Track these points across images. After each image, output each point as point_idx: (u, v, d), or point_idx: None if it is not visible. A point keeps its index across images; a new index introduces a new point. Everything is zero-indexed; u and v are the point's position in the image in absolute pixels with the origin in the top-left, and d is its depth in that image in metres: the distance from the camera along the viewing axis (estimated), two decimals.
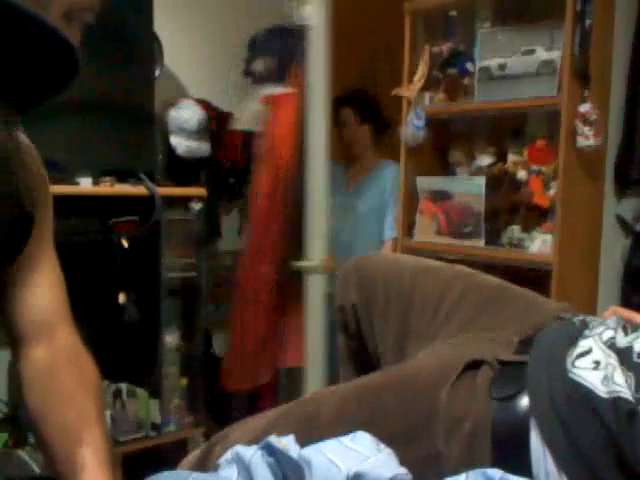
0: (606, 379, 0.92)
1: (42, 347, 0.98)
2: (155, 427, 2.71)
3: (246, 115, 3.13)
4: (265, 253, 2.92)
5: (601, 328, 1.02)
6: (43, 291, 1.00)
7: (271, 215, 2.91)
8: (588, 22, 2.31)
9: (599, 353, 0.96)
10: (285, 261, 2.76)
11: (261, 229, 2.91)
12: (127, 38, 2.66)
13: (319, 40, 2.67)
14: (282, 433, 0.92)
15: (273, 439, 0.89)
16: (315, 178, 2.46)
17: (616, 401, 0.89)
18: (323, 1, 2.70)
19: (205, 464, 1.07)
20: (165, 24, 2.93)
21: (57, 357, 0.98)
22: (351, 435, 0.92)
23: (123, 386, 2.70)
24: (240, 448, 0.90)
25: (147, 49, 2.74)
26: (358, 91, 3.18)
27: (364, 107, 3.09)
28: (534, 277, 2.40)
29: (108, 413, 2.60)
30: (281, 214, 2.91)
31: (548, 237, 2.47)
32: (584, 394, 0.92)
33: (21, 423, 2.56)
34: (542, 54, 2.44)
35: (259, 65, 2.68)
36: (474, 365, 1.03)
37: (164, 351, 2.73)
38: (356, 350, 1.54)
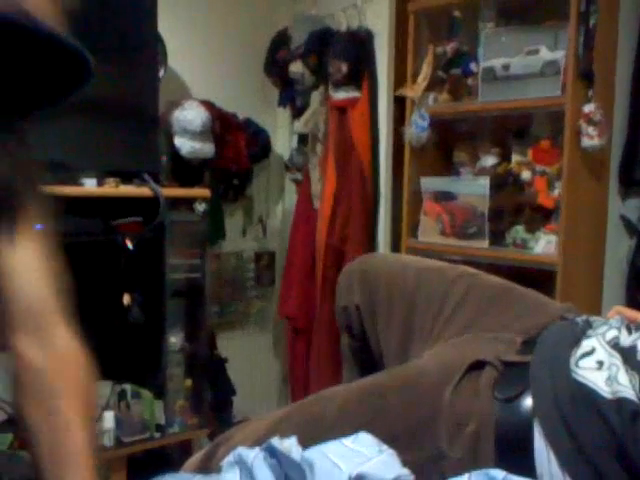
0: (610, 379, 0.92)
1: (35, 347, 0.93)
2: (159, 428, 2.70)
3: (306, 117, 3.18)
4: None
5: (604, 328, 1.02)
6: (29, 279, 0.94)
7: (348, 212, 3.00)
8: (592, 22, 2.31)
9: (602, 353, 0.96)
10: None
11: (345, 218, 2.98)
12: (131, 39, 2.66)
13: (386, 45, 2.96)
14: (285, 434, 0.92)
15: (275, 441, 0.89)
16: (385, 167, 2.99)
17: (620, 401, 0.89)
18: (387, 8, 2.81)
19: (208, 466, 1.07)
20: (169, 24, 2.93)
21: (50, 362, 0.93)
22: (353, 436, 0.92)
23: (127, 387, 2.70)
24: (242, 450, 0.90)
25: (151, 50, 2.74)
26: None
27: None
28: (538, 278, 2.40)
29: (112, 414, 2.60)
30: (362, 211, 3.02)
31: (552, 238, 2.47)
32: (588, 394, 0.92)
33: None
34: (546, 54, 2.43)
35: (333, 68, 2.73)
36: (477, 366, 1.03)
37: (168, 352, 2.73)
38: (359, 350, 1.54)
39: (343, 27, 3.07)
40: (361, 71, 2.99)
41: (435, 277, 1.43)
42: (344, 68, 2.90)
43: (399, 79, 2.97)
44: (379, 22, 2.97)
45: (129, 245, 2.62)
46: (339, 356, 2.92)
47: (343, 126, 2.97)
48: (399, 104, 3.00)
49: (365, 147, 3.01)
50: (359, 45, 3.00)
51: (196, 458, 1.15)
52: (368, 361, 1.49)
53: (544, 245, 2.50)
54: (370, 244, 3.06)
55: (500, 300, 1.28)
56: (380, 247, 3.06)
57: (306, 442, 0.91)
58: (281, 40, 3.29)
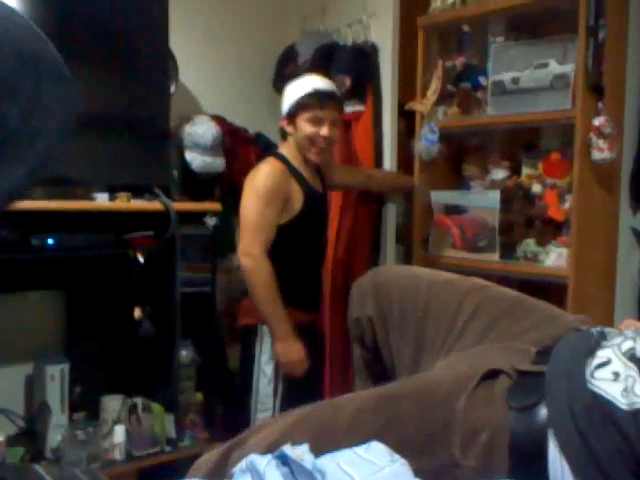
0: (626, 391, 0.92)
1: None
2: (170, 442, 2.70)
3: None
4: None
5: (620, 339, 1.01)
6: None
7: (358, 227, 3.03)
8: (601, 36, 2.32)
9: (618, 364, 0.96)
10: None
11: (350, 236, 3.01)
12: (142, 55, 2.69)
13: (389, 59, 2.99)
14: (298, 440, 0.92)
15: (287, 448, 0.89)
16: None
17: (637, 413, 0.89)
18: (391, 22, 2.84)
19: (221, 470, 1.07)
20: (180, 40, 2.96)
21: None
22: (365, 445, 0.92)
23: (138, 401, 2.70)
24: (254, 457, 0.90)
25: (162, 66, 2.77)
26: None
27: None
28: (550, 291, 2.39)
29: (123, 428, 2.60)
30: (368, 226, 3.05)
31: (563, 250, 2.46)
32: (604, 405, 0.92)
33: (37, 438, 2.57)
34: (555, 68, 2.44)
35: (336, 83, 2.76)
36: (491, 375, 1.03)
37: (179, 366, 2.73)
38: (372, 361, 1.54)
39: (349, 42, 3.10)
40: (365, 85, 3.02)
41: (447, 290, 1.43)
42: (347, 82, 2.92)
43: (405, 93, 2.99)
44: (384, 36, 3.00)
45: (140, 259, 2.63)
46: (349, 365, 2.93)
47: (347, 140, 2.98)
48: (408, 118, 3.02)
49: (369, 160, 3.03)
50: (363, 59, 3.02)
51: (208, 459, 1.14)
52: (380, 372, 1.49)
53: (555, 258, 2.49)
54: (375, 256, 3.07)
55: (513, 311, 1.28)
56: (386, 259, 3.07)
57: (318, 449, 0.91)
58: (289, 55, 3.32)
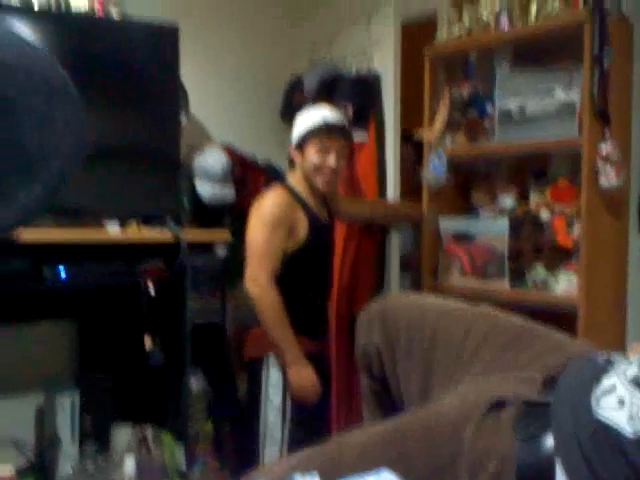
0: (632, 418, 0.92)
1: None
2: (180, 472, 2.69)
3: None
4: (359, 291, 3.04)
5: (625, 365, 1.01)
6: None
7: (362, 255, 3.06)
8: (606, 64, 2.33)
9: (623, 391, 0.96)
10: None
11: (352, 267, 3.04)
12: (154, 86, 2.73)
13: (391, 89, 3.05)
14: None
15: (298, 476, 0.89)
16: None
17: None
18: (393, 53, 2.88)
19: None
20: (191, 71, 3.01)
21: None
22: (375, 473, 0.92)
23: (149, 431, 2.70)
24: None
25: (173, 97, 2.82)
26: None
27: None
28: (560, 318, 2.38)
29: (133, 458, 2.60)
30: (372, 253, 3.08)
31: (573, 277, 2.46)
32: (610, 433, 0.92)
33: (47, 469, 2.57)
34: (561, 95, 2.46)
35: (339, 111, 2.81)
36: (498, 405, 1.03)
37: (189, 395, 2.73)
38: (379, 391, 1.54)
39: (353, 71, 3.14)
40: (368, 114, 3.05)
41: (454, 318, 1.43)
42: (349, 110, 2.95)
43: (410, 120, 3.01)
44: (386, 66, 3.04)
45: (151, 289, 2.65)
46: (355, 393, 2.93)
47: (351, 167, 3.01)
48: (417, 145, 3.04)
49: (372, 188, 3.05)
50: (366, 88, 3.06)
51: None
52: (388, 402, 1.48)
53: (565, 285, 2.48)
54: (380, 285, 3.08)
55: (520, 340, 1.28)
56: (391, 288, 3.07)
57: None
58: (296, 85, 3.37)
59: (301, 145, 2.47)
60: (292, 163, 2.59)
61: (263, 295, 2.35)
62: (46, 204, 0.60)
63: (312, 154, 2.44)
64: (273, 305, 2.34)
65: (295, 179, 2.53)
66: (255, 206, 2.47)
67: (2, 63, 0.51)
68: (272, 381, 2.44)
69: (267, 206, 2.42)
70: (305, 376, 2.38)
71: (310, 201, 2.51)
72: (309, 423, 2.41)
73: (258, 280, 2.35)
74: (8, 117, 0.51)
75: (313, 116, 2.48)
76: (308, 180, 2.49)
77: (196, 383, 2.79)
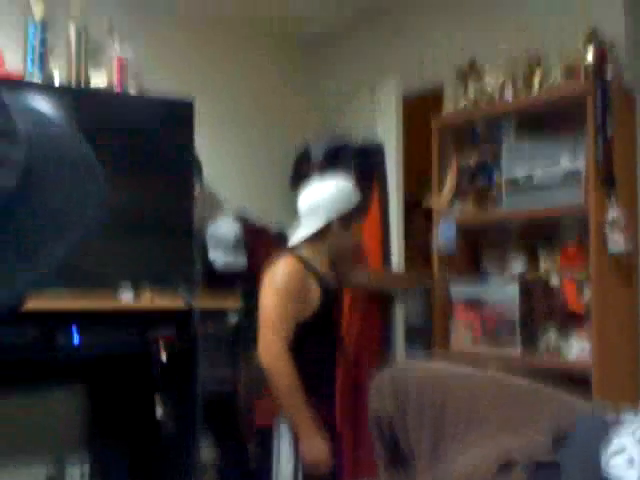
0: None
1: None
2: None
3: None
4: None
5: (635, 425, 1.01)
6: None
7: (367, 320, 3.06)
8: (609, 132, 2.38)
9: (633, 450, 0.96)
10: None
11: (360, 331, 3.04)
12: (169, 159, 2.81)
13: (394, 159, 3.06)
14: None
15: None
16: None
17: None
18: (395, 123, 2.95)
19: None
20: (205, 141, 3.09)
21: None
22: None
23: None
24: None
25: (187, 168, 2.89)
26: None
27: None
28: (573, 383, 2.36)
29: None
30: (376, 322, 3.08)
31: (585, 342, 2.45)
32: None
33: None
34: (567, 164, 2.50)
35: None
36: (508, 466, 1.03)
37: (200, 465, 2.70)
38: (393, 456, 1.53)
39: (357, 141, 3.21)
40: (371, 182, 3.09)
41: (463, 384, 1.44)
42: (352, 179, 3.00)
43: (417, 190, 3.06)
44: (389, 135, 3.10)
45: (163, 357, 2.66)
46: (361, 459, 2.88)
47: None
48: (426, 213, 3.07)
49: (377, 255, 3.06)
50: (368, 158, 3.12)
51: None
52: (402, 464, 1.48)
53: (577, 350, 2.47)
54: (385, 353, 3.06)
55: (528, 400, 1.28)
56: (396, 356, 3.04)
57: None
58: (304, 156, 3.44)
59: (342, 221, 2.49)
60: (316, 234, 2.52)
61: (276, 364, 2.33)
62: (63, 263, 0.64)
63: (345, 234, 2.50)
64: (286, 374, 2.32)
65: (310, 250, 2.51)
66: (267, 275, 2.47)
67: (30, 139, 0.55)
68: (283, 451, 2.40)
69: (280, 275, 2.42)
70: (318, 448, 2.34)
71: (322, 269, 2.53)
72: None
73: (271, 349, 2.34)
74: (37, 189, 0.56)
75: (349, 194, 2.53)
76: (331, 254, 2.52)
77: (207, 452, 2.75)
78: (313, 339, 2.45)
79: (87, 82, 2.99)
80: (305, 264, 2.48)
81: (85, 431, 2.86)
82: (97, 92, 2.94)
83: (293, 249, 2.58)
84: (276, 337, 2.34)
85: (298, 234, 2.53)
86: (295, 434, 2.37)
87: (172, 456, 2.75)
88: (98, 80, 3.00)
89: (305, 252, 2.52)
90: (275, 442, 2.41)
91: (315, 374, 2.44)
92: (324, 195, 2.52)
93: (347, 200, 2.52)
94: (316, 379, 2.45)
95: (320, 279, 2.50)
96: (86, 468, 2.61)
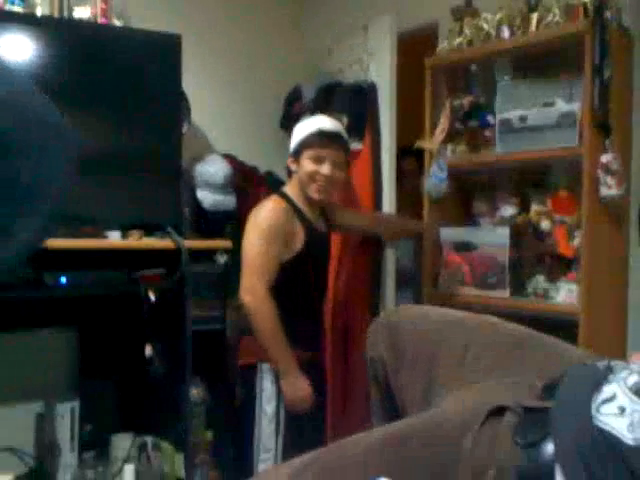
0: (632, 425, 0.92)
1: None
2: None
3: None
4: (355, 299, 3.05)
5: (625, 373, 1.01)
6: None
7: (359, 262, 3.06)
8: (606, 74, 2.34)
9: (624, 399, 0.96)
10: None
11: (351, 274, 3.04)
12: (156, 96, 2.74)
13: (387, 98, 3.00)
14: None
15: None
16: None
17: None
18: (389, 63, 2.89)
19: None
20: (193, 80, 3.02)
21: None
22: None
23: (148, 439, 2.70)
24: None
25: (175, 107, 2.83)
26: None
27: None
28: (561, 326, 2.38)
29: (132, 467, 2.59)
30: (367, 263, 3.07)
31: (574, 287, 2.46)
32: (610, 441, 0.92)
33: (47, 477, 2.56)
34: (562, 106, 2.47)
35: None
36: (497, 411, 1.03)
37: (190, 404, 2.73)
38: (385, 400, 1.55)
39: (350, 81, 3.15)
40: (364, 123, 3.04)
41: (457, 328, 1.45)
42: (344, 120, 2.96)
43: (410, 131, 3.01)
44: (382, 76, 3.04)
45: (151, 297, 2.65)
46: (349, 402, 2.93)
47: (347, 177, 3.02)
48: (420, 157, 3.04)
49: (368, 199, 3.04)
50: (362, 98, 3.06)
51: None
52: (393, 409, 1.50)
53: (565, 294, 2.49)
54: (375, 297, 3.07)
55: (521, 347, 1.29)
56: (386, 301, 3.06)
57: None
58: (295, 95, 3.38)
59: (297, 154, 2.48)
60: (290, 172, 2.59)
61: (258, 306, 2.33)
62: (46, 234, 0.62)
63: (307, 163, 2.45)
64: (268, 316, 2.33)
65: (292, 189, 2.53)
66: (251, 216, 2.46)
67: None
68: (266, 390, 2.43)
69: (263, 216, 2.41)
70: (299, 387, 2.37)
71: (307, 210, 2.51)
72: (303, 433, 2.41)
73: (254, 291, 2.34)
74: (4, 153, 0.52)
75: (309, 125, 2.49)
76: (304, 189, 2.49)
77: (196, 391, 2.78)
78: (296, 280, 2.45)
79: (70, 16, 2.90)
80: (290, 205, 2.47)
81: (74, 370, 2.87)
82: (79, 23, 2.84)
83: (281, 189, 2.57)
84: (258, 280, 2.34)
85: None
86: (277, 373, 2.39)
87: (161, 395, 2.77)
88: (82, 15, 2.91)
89: (291, 194, 2.51)
90: (258, 381, 2.43)
91: (297, 313, 2.45)
92: (292, 131, 2.51)
93: (298, 133, 2.50)
94: (299, 318, 2.46)
95: (305, 220, 2.49)
96: (76, 407, 2.63)
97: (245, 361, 2.50)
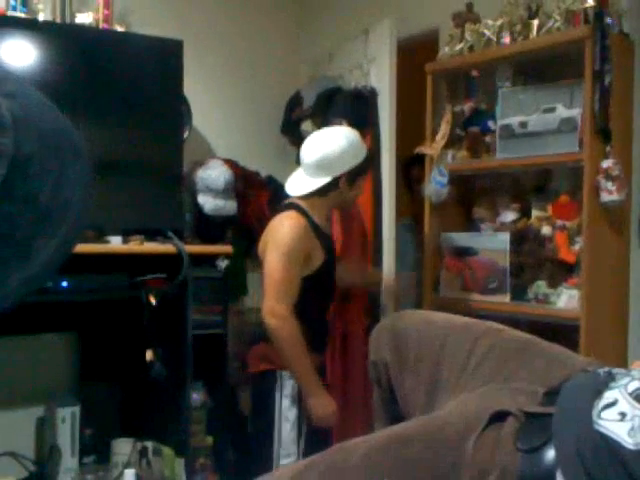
0: (633, 430, 0.92)
1: None
2: None
3: None
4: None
5: (627, 379, 1.02)
6: None
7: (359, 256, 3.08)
8: (607, 80, 2.35)
9: (625, 404, 0.96)
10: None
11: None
12: (157, 101, 2.75)
13: (387, 103, 3.01)
14: None
15: None
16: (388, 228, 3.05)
17: None
18: (389, 68, 2.89)
19: None
20: (194, 86, 3.03)
21: None
22: None
23: (149, 444, 2.69)
24: None
25: (176, 112, 2.83)
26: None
27: None
28: (562, 332, 2.38)
29: (133, 471, 2.59)
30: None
31: (574, 292, 2.46)
32: (611, 446, 0.92)
33: None
34: (563, 112, 2.47)
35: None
36: (500, 416, 1.03)
37: (190, 409, 2.73)
38: (388, 402, 1.55)
39: (351, 87, 3.15)
40: (363, 129, 3.04)
41: (461, 334, 1.45)
42: (345, 125, 2.96)
43: (410, 137, 3.02)
44: (382, 82, 3.04)
45: (153, 301, 2.66)
46: (349, 403, 2.92)
47: None
48: (422, 164, 3.04)
49: (368, 204, 3.03)
50: (361, 104, 3.06)
51: None
52: (396, 412, 1.50)
53: (566, 300, 2.49)
54: (373, 301, 3.07)
55: (524, 353, 1.29)
56: (385, 304, 3.06)
57: None
58: (296, 100, 3.39)
59: (357, 177, 2.47)
60: (324, 189, 2.44)
61: (283, 327, 2.29)
62: (64, 256, 0.62)
63: (361, 186, 2.50)
64: (292, 336, 2.30)
65: (313, 203, 2.45)
66: (272, 232, 2.40)
67: (21, 121, 0.51)
68: (287, 395, 2.41)
69: (286, 235, 2.35)
70: (326, 404, 2.36)
71: (324, 226, 2.50)
72: (325, 436, 2.43)
73: (277, 312, 2.29)
74: (25, 175, 0.52)
75: (362, 148, 2.49)
76: (342, 207, 2.56)
77: (197, 396, 2.78)
78: (315, 292, 2.44)
79: (72, 21, 2.91)
80: (309, 222, 2.43)
81: (75, 375, 2.88)
82: (82, 28, 2.85)
83: (296, 203, 2.47)
84: (281, 301, 2.30)
85: (303, 187, 2.46)
86: (299, 390, 2.38)
87: (162, 399, 2.77)
88: (84, 20, 2.92)
89: (306, 205, 2.46)
90: (277, 388, 2.41)
91: (313, 322, 2.45)
92: (334, 148, 2.42)
93: (357, 154, 2.46)
94: (315, 326, 2.45)
95: (324, 236, 2.47)
96: (77, 411, 2.62)
97: (262, 367, 2.48)
